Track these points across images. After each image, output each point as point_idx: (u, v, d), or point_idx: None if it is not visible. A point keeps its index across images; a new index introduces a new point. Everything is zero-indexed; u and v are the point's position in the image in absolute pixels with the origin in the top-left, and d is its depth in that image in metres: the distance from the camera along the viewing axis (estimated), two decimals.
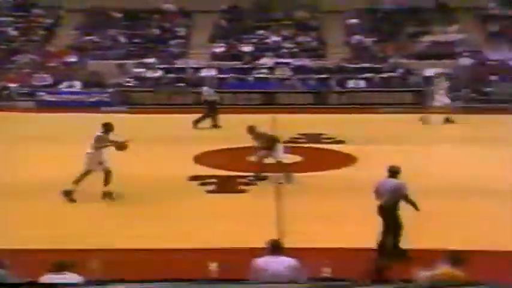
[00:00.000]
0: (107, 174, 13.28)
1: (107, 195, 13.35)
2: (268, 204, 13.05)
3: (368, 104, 26.28)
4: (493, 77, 28.14)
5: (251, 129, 15.05)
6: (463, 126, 21.55)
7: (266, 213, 12.42)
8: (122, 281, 6.74)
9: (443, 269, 7.42)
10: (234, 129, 18.79)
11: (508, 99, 26.56)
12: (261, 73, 29.19)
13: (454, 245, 9.35)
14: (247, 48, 30.98)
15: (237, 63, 29.84)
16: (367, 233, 10.54)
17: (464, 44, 30.49)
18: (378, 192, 10.54)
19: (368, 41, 31.09)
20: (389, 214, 10.32)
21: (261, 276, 7.72)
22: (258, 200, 13.51)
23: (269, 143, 14.72)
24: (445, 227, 11.68)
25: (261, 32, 32.05)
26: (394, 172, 10.53)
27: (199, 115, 21.76)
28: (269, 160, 14.75)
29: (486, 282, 6.51)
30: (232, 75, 28.97)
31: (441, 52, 29.83)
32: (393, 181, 10.48)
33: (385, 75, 28.42)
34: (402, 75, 28.38)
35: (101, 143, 13.25)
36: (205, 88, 22.85)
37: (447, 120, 22.34)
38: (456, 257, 7.56)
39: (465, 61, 29.39)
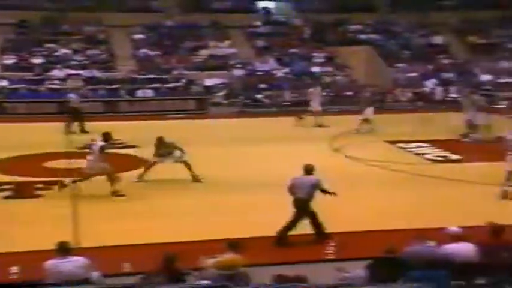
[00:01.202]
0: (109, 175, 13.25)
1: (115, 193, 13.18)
2: (65, 207, 12.53)
3: (156, 111, 26.24)
4: (262, 85, 29.41)
5: (160, 140, 14.58)
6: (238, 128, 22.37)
7: (62, 216, 11.88)
8: None
9: (225, 256, 7.62)
10: (29, 136, 17.81)
11: (275, 104, 27.99)
12: (53, 84, 28.04)
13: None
14: (37, 61, 29.54)
15: (28, 74, 28.40)
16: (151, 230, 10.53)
17: (236, 57, 31.64)
18: (296, 188, 10.64)
19: (153, 54, 31.07)
20: (307, 206, 10.56)
21: (54, 278, 7.37)
22: (54, 203, 12.89)
23: (170, 149, 14.50)
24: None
25: (51, 45, 30.73)
26: (310, 170, 10.80)
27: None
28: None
29: None
30: (24, 85, 27.54)
31: (217, 64, 30.66)
32: (312, 177, 10.74)
33: (170, 85, 28.58)
34: (185, 85, 28.74)
35: (103, 150, 13.26)
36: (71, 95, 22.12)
37: (319, 125, 22.59)
38: (234, 244, 7.81)
39: (238, 72, 30.49)
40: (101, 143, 13.40)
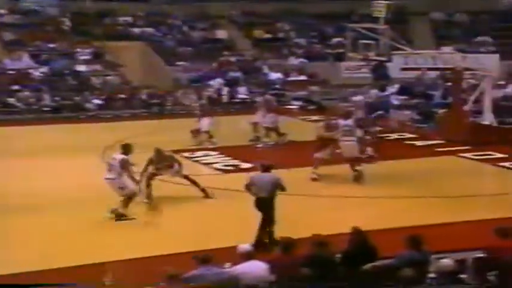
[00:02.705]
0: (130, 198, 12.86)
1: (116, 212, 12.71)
2: None
3: None
4: (14, 87, 27.57)
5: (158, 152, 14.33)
6: None
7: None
8: None
9: None
10: None
11: (32, 109, 26.56)
12: None
13: None
14: None
15: None
16: None
17: None
18: (255, 186, 11.30)
19: None
20: (271, 205, 11.21)
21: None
22: None
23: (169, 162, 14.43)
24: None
25: None
26: (268, 167, 11.57)
27: None
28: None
29: None
30: None
31: None
32: (271, 175, 11.48)
33: None
34: None
35: (125, 166, 12.82)
36: None
37: None
38: None
39: None
40: (123, 156, 13.03)
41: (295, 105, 28.33)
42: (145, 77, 30.19)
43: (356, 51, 22.43)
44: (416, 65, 29.73)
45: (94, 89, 28.56)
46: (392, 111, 24.58)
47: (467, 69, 22.15)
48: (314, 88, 30.09)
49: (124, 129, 22.43)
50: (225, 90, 29.68)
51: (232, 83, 30.25)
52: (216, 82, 30.21)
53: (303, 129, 21.72)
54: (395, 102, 25.66)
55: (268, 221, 11.18)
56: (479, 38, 33.87)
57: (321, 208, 13.54)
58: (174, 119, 25.01)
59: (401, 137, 21.76)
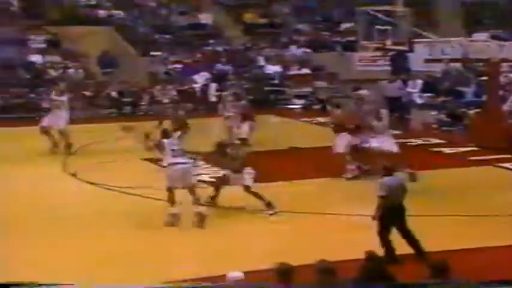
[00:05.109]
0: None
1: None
2: None
3: None
4: None
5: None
6: None
7: None
8: None
9: None
10: None
11: None
12: None
13: None
14: None
15: None
16: None
17: None
18: (391, 193, 11.73)
19: None
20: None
21: None
22: None
23: None
24: None
25: None
26: (391, 169, 12.17)
27: None
28: None
29: None
30: None
31: None
32: (398, 177, 12.22)
33: None
34: None
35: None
36: None
37: None
38: None
39: None
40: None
41: (297, 104, 28.46)
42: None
43: (370, 39, 22.54)
44: (443, 56, 29.80)
45: (51, 84, 28.53)
46: (414, 111, 24.73)
47: (505, 60, 22.28)
48: (320, 83, 30.26)
49: (88, 133, 22.60)
50: (212, 86, 29.78)
51: (220, 78, 30.37)
52: (201, 77, 30.34)
53: (306, 133, 21.83)
54: (418, 101, 25.79)
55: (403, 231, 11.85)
56: None
57: (336, 229, 13.62)
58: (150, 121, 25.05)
59: (426, 142, 21.92)
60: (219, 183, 15.06)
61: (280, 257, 9.30)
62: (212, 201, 14.93)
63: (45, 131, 20.47)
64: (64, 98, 21.10)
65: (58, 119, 20.64)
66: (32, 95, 27.89)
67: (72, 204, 15.39)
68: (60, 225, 13.75)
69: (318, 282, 8.84)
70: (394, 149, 16.53)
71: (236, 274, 9.11)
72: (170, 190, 13.97)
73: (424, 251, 11.73)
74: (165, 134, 14.56)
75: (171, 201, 13.94)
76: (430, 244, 12.12)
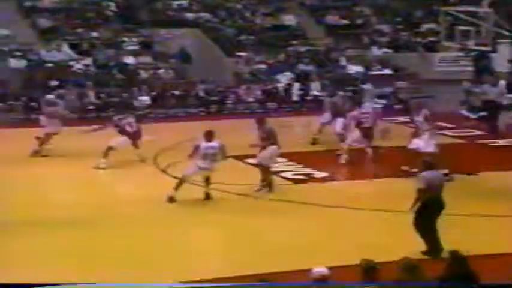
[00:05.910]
0: None
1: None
2: None
3: None
4: (53, 82, 28.31)
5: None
6: None
7: None
8: None
9: None
10: None
11: (74, 108, 26.77)
12: None
13: None
14: None
15: None
16: None
17: (13, 40, 30.20)
18: (433, 188, 11.89)
19: None
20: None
21: None
22: None
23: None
24: None
25: None
26: (431, 164, 12.35)
27: None
28: None
29: None
30: None
31: None
32: (438, 173, 12.37)
33: None
34: None
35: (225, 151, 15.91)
36: None
37: None
38: None
39: (16, 63, 29.15)
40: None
41: (378, 103, 28.65)
42: (203, 70, 30.78)
43: (452, 39, 22.46)
44: None
45: (143, 84, 29.35)
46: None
47: None
48: (401, 83, 30.43)
49: (177, 130, 23.22)
50: (295, 86, 30.26)
51: (303, 78, 30.82)
52: (284, 77, 30.83)
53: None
54: (503, 102, 25.67)
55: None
56: None
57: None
58: (237, 119, 25.67)
59: (511, 143, 22.07)
60: None
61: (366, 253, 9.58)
62: None
63: None
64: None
65: None
66: (125, 95, 28.48)
67: None
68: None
69: (403, 279, 8.97)
70: (430, 149, 16.74)
71: (321, 269, 9.13)
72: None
73: (439, 251, 11.80)
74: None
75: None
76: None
